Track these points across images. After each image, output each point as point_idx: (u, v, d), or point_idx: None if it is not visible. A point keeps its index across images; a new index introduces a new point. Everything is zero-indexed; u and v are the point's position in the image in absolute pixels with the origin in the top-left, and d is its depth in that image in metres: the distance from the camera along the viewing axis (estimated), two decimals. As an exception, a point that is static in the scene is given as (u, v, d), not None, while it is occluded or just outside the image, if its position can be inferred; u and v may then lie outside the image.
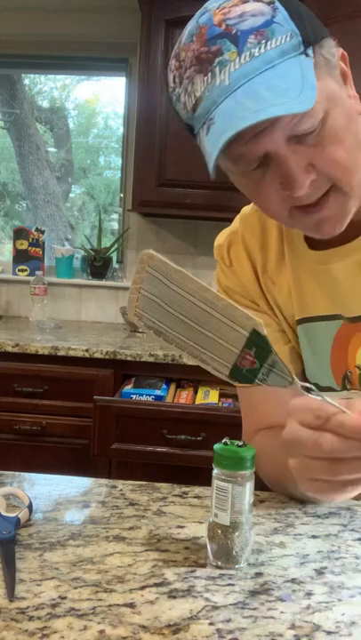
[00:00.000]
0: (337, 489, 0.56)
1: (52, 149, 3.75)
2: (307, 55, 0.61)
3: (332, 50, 0.66)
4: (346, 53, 0.70)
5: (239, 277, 0.90)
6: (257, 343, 0.56)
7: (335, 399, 0.54)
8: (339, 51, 0.68)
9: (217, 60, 0.60)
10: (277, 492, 0.83)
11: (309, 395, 0.55)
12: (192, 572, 0.64)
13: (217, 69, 0.60)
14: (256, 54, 0.59)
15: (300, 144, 0.63)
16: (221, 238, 0.93)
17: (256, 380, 0.57)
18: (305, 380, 0.87)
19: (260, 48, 0.59)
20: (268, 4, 0.61)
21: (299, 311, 0.85)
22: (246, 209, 0.92)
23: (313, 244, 0.81)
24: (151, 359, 1.96)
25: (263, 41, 0.59)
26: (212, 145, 0.61)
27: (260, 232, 0.87)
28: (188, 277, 0.55)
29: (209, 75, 0.61)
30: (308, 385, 0.56)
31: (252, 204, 0.91)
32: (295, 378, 0.57)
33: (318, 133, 0.63)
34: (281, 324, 0.88)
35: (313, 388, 0.56)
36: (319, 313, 0.82)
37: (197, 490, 0.85)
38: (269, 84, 0.58)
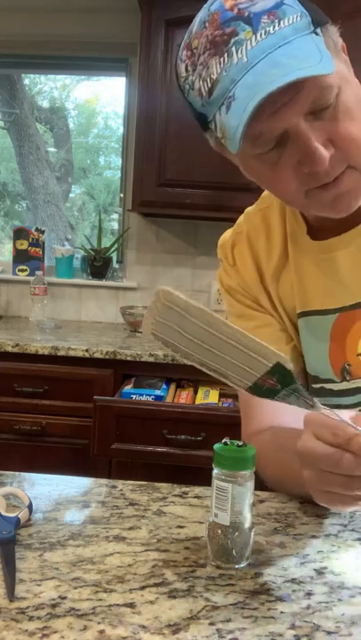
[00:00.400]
0: (348, 502, 0.59)
1: (52, 149, 3.75)
2: (317, 34, 0.63)
3: (336, 35, 0.68)
4: (345, 45, 0.71)
5: (242, 276, 0.90)
6: (280, 372, 0.56)
7: (347, 415, 0.56)
8: (340, 40, 0.70)
9: (233, 40, 0.61)
10: (277, 491, 0.84)
11: (329, 415, 0.57)
12: (192, 572, 0.64)
13: (233, 49, 0.61)
14: (271, 32, 0.60)
15: (318, 120, 0.64)
16: (226, 238, 0.94)
17: (276, 398, 0.57)
18: (305, 373, 0.88)
19: (274, 26, 0.60)
20: None
21: (300, 305, 0.85)
22: (250, 209, 0.93)
23: (316, 236, 0.82)
24: (151, 359, 1.96)
25: (276, 20, 0.61)
26: (236, 117, 0.61)
27: (265, 231, 0.88)
28: (208, 313, 0.55)
29: (225, 55, 0.62)
30: (327, 408, 0.57)
31: (255, 205, 0.92)
32: (316, 401, 0.57)
33: (334, 108, 0.64)
34: (283, 322, 0.89)
35: (331, 410, 0.57)
36: (318, 307, 0.83)
37: (197, 490, 0.85)
38: (290, 54, 0.60)
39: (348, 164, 0.67)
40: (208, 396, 1.88)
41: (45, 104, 3.69)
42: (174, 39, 2.18)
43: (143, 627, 0.54)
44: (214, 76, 0.63)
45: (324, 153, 0.64)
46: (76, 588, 0.59)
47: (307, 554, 0.69)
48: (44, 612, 0.55)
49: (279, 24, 0.61)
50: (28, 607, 0.56)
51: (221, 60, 0.62)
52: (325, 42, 0.64)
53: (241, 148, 0.65)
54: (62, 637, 0.52)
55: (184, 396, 1.90)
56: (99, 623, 0.54)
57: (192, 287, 2.64)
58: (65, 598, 0.58)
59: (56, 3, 2.51)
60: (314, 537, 0.73)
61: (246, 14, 0.61)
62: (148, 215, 2.50)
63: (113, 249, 2.67)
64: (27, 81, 3.47)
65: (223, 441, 0.68)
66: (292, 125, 0.64)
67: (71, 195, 3.78)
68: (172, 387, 1.98)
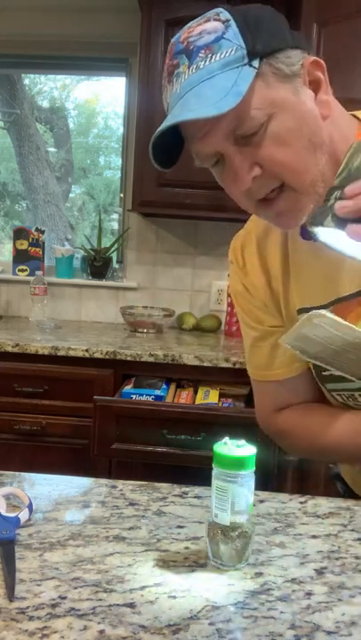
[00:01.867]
0: None
1: (52, 149, 3.75)
2: (251, 66, 0.68)
3: (290, 60, 0.72)
4: (321, 62, 0.75)
5: (251, 278, 0.93)
6: None
7: None
8: (307, 60, 0.73)
9: (175, 72, 0.72)
10: (311, 458, 1.04)
11: None
12: (192, 572, 0.64)
13: (174, 79, 0.72)
14: (201, 67, 0.69)
15: (247, 145, 0.71)
16: (236, 241, 0.97)
17: None
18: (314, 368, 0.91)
19: (205, 61, 0.69)
20: (224, 22, 0.71)
21: (299, 302, 0.88)
22: None
23: (307, 235, 0.84)
24: (151, 359, 1.96)
25: (210, 55, 0.69)
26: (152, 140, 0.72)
27: (270, 231, 0.90)
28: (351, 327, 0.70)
29: (170, 85, 0.73)
30: None
31: None
32: None
33: (262, 135, 0.70)
34: (285, 321, 0.91)
35: None
36: (313, 304, 0.86)
37: (197, 490, 0.85)
38: (200, 92, 0.68)
39: (283, 182, 0.73)
40: (208, 396, 1.88)
41: (45, 104, 3.69)
42: (174, 39, 2.17)
43: (143, 627, 0.54)
44: (167, 101, 0.75)
45: (244, 175, 0.72)
46: (76, 588, 0.59)
47: (307, 554, 0.69)
48: (44, 612, 0.55)
49: (210, 59, 0.69)
50: (28, 607, 0.56)
51: (169, 87, 0.73)
52: (262, 72, 0.69)
53: (198, 165, 0.78)
54: (62, 637, 0.52)
55: (184, 396, 1.90)
56: (99, 623, 0.54)
57: (192, 287, 2.64)
58: (65, 598, 0.58)
59: (56, 3, 2.51)
60: (314, 537, 0.73)
61: (191, 47, 0.70)
62: (148, 215, 2.50)
63: (113, 249, 2.67)
64: (27, 81, 3.47)
65: (223, 441, 0.68)
66: (220, 149, 0.72)
67: (71, 195, 3.78)
68: (172, 387, 1.98)
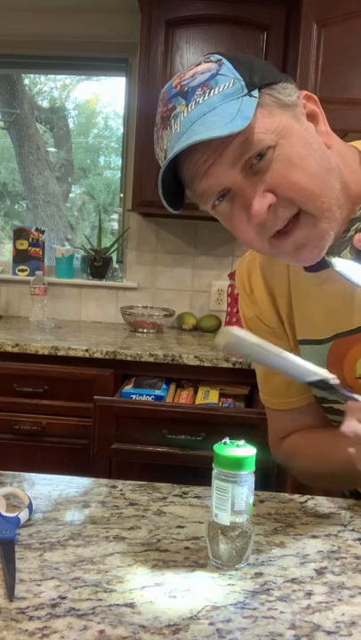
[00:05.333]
0: None
1: (52, 149, 3.75)
2: (251, 96, 0.68)
3: (287, 91, 0.72)
4: (314, 95, 0.75)
5: (259, 305, 0.92)
6: (321, 383, 0.71)
7: None
8: (301, 93, 0.74)
9: (172, 114, 0.70)
10: (312, 484, 0.99)
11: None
12: (192, 571, 0.64)
13: (172, 121, 0.70)
14: (200, 102, 0.68)
15: (256, 175, 0.69)
16: (242, 267, 0.96)
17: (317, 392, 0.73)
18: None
19: (204, 97, 0.68)
20: (216, 61, 0.70)
21: (299, 332, 0.88)
22: None
23: (309, 267, 0.82)
24: (151, 359, 1.96)
25: (208, 90, 0.68)
26: (160, 180, 0.70)
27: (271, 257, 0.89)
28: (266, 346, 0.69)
29: (168, 128, 0.71)
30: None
31: None
32: (352, 395, 0.70)
33: (271, 161, 0.68)
34: (295, 348, 0.91)
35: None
36: (313, 337, 0.85)
37: (197, 490, 0.85)
38: (206, 121, 0.67)
39: (300, 208, 0.70)
40: (208, 396, 1.88)
41: (45, 104, 3.69)
42: (174, 39, 2.18)
43: (143, 627, 0.54)
44: (165, 147, 0.72)
45: (259, 204, 0.69)
46: (76, 588, 0.59)
47: (307, 554, 0.69)
48: (44, 612, 0.55)
49: (209, 94, 0.67)
50: (27, 607, 0.56)
51: (166, 132, 0.71)
52: (263, 101, 0.69)
53: (202, 207, 0.75)
54: (62, 637, 0.52)
55: (184, 396, 1.90)
56: (99, 623, 0.54)
57: (192, 287, 2.64)
58: (65, 598, 0.58)
59: (56, 3, 2.51)
60: (314, 537, 0.73)
61: (185, 89, 0.69)
62: (148, 215, 2.50)
63: (113, 249, 2.67)
64: (27, 81, 3.47)
65: (223, 441, 0.68)
66: (231, 182, 0.70)
67: (71, 195, 3.78)
68: (172, 387, 1.98)
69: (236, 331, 0.67)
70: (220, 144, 0.67)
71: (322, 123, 0.75)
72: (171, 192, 0.73)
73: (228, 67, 0.69)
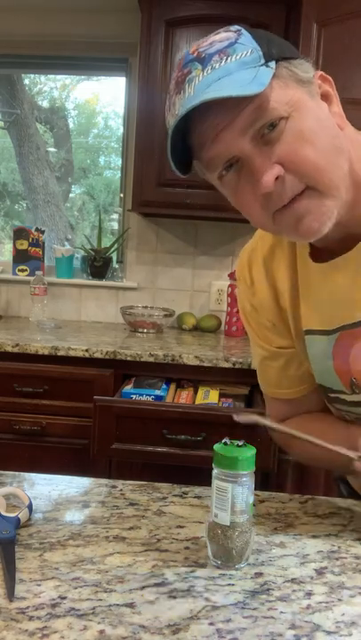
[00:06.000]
0: None
1: (52, 149, 3.75)
2: (268, 66, 0.67)
3: (303, 67, 0.72)
4: (330, 78, 0.75)
5: (259, 297, 0.91)
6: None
7: None
8: (317, 73, 0.74)
9: (187, 79, 0.69)
10: (309, 464, 1.03)
11: None
12: (192, 572, 0.64)
13: (186, 85, 0.69)
14: (217, 67, 0.67)
15: (267, 145, 0.68)
16: (243, 258, 0.95)
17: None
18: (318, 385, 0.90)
19: (220, 63, 0.67)
20: (235, 31, 0.70)
21: (305, 323, 0.87)
22: None
23: (316, 258, 0.82)
24: (151, 359, 1.96)
25: (225, 57, 0.68)
26: (169, 141, 0.70)
27: (277, 248, 0.89)
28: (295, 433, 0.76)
29: (181, 92, 0.70)
30: None
31: None
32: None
33: (282, 132, 0.68)
34: (294, 340, 0.91)
35: None
36: (320, 327, 0.85)
37: (197, 490, 0.85)
38: (221, 85, 0.66)
39: (307, 184, 0.69)
40: (208, 396, 1.88)
41: (45, 104, 3.69)
42: (174, 39, 2.17)
43: (143, 627, 0.54)
44: (177, 112, 0.70)
45: (267, 174, 0.67)
46: (76, 588, 0.59)
47: (307, 554, 0.69)
48: (44, 612, 0.55)
49: (226, 60, 0.67)
50: (27, 607, 0.56)
51: (180, 96, 0.70)
52: (279, 73, 0.68)
53: (205, 175, 0.74)
54: (62, 637, 0.52)
55: (184, 396, 1.90)
56: (99, 623, 0.54)
57: (192, 287, 2.64)
58: (65, 598, 0.58)
59: (56, 3, 2.51)
60: (314, 537, 0.73)
61: (202, 56, 0.69)
62: (148, 215, 2.50)
63: (113, 249, 2.67)
64: (27, 81, 3.48)
65: (223, 441, 0.68)
66: (239, 150, 0.69)
67: (71, 195, 3.78)
68: (172, 387, 1.98)
69: (266, 421, 0.75)
70: (233, 109, 0.67)
71: (336, 104, 0.74)
72: (178, 162, 0.72)
73: (246, 37, 0.69)
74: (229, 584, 0.62)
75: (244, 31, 0.70)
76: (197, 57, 0.69)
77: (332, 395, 0.87)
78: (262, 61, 0.67)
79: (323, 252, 0.82)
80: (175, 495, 0.83)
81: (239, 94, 0.64)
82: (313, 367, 0.88)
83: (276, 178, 0.68)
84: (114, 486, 0.85)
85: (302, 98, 0.70)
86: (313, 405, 0.95)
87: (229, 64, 0.67)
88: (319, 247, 0.82)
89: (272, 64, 0.68)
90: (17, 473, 0.88)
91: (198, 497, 0.83)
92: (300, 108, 0.69)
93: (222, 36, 0.70)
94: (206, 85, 0.67)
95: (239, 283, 0.96)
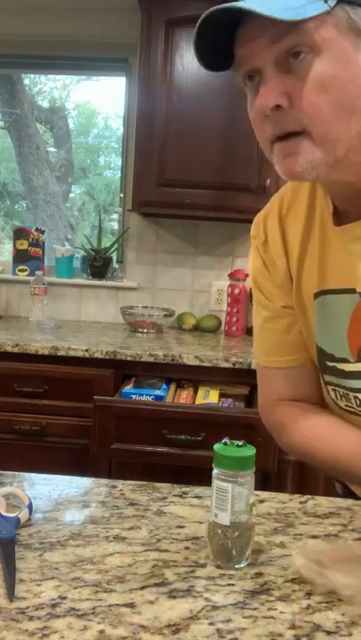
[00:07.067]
0: None
1: (52, 149, 3.75)
2: (326, 2, 0.64)
3: None
4: None
5: (272, 253, 0.91)
6: None
7: None
8: None
9: None
10: (296, 456, 0.95)
11: None
12: (192, 572, 0.64)
13: None
14: None
15: (288, 73, 0.67)
16: (259, 215, 0.94)
17: None
18: (316, 350, 0.89)
19: None
20: None
21: (319, 283, 0.86)
22: (286, 185, 0.92)
23: (338, 220, 0.82)
24: (151, 359, 1.96)
25: None
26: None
27: (294, 205, 0.88)
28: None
29: None
30: None
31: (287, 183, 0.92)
32: None
33: (305, 68, 0.67)
34: (295, 306, 0.90)
35: None
36: (338, 286, 0.83)
37: (197, 490, 0.85)
38: None
39: (305, 128, 0.68)
40: (208, 396, 1.88)
41: (45, 104, 3.69)
42: (174, 39, 2.18)
43: (143, 627, 0.54)
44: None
45: (270, 98, 0.67)
46: (76, 588, 0.59)
47: (307, 554, 0.69)
48: (44, 612, 0.55)
49: None
50: (27, 607, 0.56)
51: None
52: (333, 14, 0.65)
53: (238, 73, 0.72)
54: (62, 637, 0.52)
55: (184, 396, 1.90)
56: (99, 623, 0.54)
57: (192, 287, 2.64)
58: (65, 598, 0.58)
59: (56, 3, 2.51)
60: (314, 537, 0.73)
61: None
62: (148, 215, 2.50)
63: (113, 249, 2.67)
64: (27, 81, 3.48)
65: (223, 441, 0.68)
66: (261, 62, 0.68)
67: (71, 195, 3.78)
68: (172, 387, 1.98)
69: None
70: (268, 22, 0.64)
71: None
72: (219, 47, 0.71)
73: None
74: (229, 584, 0.62)
75: None
76: None
77: (331, 363, 0.86)
78: None
79: (343, 214, 0.81)
80: (175, 495, 0.83)
81: (274, 16, 0.62)
82: (319, 329, 0.87)
83: (279, 107, 0.68)
84: (114, 486, 0.85)
85: (344, 45, 0.67)
86: (310, 383, 0.93)
87: None
88: (340, 209, 0.81)
89: (332, 2, 0.65)
90: (17, 473, 0.88)
91: (198, 497, 0.83)
92: (336, 53, 0.67)
93: None
94: None
95: (253, 242, 0.95)
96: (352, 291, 0.81)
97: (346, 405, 0.87)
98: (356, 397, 0.84)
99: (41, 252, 2.67)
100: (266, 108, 0.68)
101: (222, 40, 0.71)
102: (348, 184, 0.75)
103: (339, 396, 0.87)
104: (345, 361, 0.84)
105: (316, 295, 0.86)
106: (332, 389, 0.88)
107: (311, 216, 0.86)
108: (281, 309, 0.92)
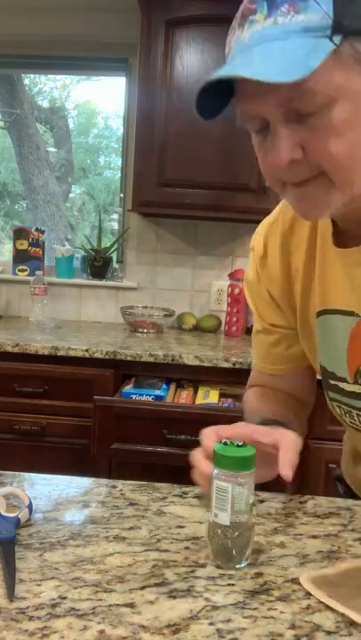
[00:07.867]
0: None
1: (52, 149, 3.75)
2: (331, 41, 0.62)
3: None
4: None
5: (270, 270, 0.91)
6: None
7: None
8: None
9: (249, 18, 0.65)
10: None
11: None
12: (192, 572, 0.64)
13: (246, 25, 0.66)
14: (279, 22, 0.63)
15: (300, 124, 0.65)
16: (261, 228, 0.94)
17: None
18: (320, 368, 0.91)
19: (285, 18, 0.63)
20: None
21: (320, 303, 0.85)
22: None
23: (339, 242, 0.81)
24: (151, 359, 1.96)
25: (293, 13, 0.62)
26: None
27: (297, 224, 0.87)
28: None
29: (241, 29, 0.66)
30: None
31: None
32: None
33: (317, 118, 0.65)
34: (294, 320, 0.91)
35: None
36: (338, 307, 0.83)
37: (197, 490, 0.85)
38: (269, 51, 0.62)
39: (321, 171, 0.67)
40: (208, 396, 1.88)
41: (45, 104, 3.69)
42: (174, 39, 2.17)
43: (143, 627, 0.54)
44: (230, 44, 0.68)
45: (285, 153, 0.66)
46: (76, 588, 0.59)
47: (307, 554, 0.69)
48: (44, 612, 0.55)
49: (292, 18, 0.62)
50: (27, 607, 0.56)
51: (237, 31, 0.67)
52: (340, 51, 0.62)
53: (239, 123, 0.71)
54: (62, 637, 0.52)
55: (184, 396, 1.90)
56: (99, 623, 0.54)
57: (192, 287, 2.64)
58: (65, 598, 0.58)
59: (56, 3, 2.51)
60: (314, 537, 0.73)
61: None
62: (148, 215, 2.50)
63: (113, 249, 2.67)
64: (27, 81, 3.48)
65: (223, 441, 0.68)
66: (270, 117, 0.67)
67: (71, 195, 3.78)
68: (172, 387, 1.98)
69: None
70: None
71: None
72: (211, 92, 0.68)
73: None
74: (229, 584, 0.62)
75: None
76: None
77: (333, 382, 0.87)
78: (328, 32, 0.62)
79: (344, 235, 0.80)
80: (175, 495, 0.83)
81: (274, 81, 0.60)
82: (320, 348, 0.87)
83: (293, 160, 0.66)
84: (114, 486, 0.85)
85: (354, 83, 0.65)
86: (292, 389, 0.98)
87: (292, 24, 0.62)
88: (342, 229, 0.81)
89: (337, 39, 0.62)
90: (17, 473, 0.88)
91: (198, 497, 0.83)
92: (348, 97, 0.64)
93: None
94: (259, 41, 0.63)
95: (251, 253, 0.95)
96: (351, 313, 0.82)
97: (350, 422, 0.87)
98: (358, 415, 0.85)
99: (41, 252, 2.67)
100: (281, 165, 0.67)
101: (222, 94, 0.69)
102: (356, 209, 0.73)
103: (343, 413, 0.88)
104: (344, 381, 0.84)
105: (318, 314, 0.87)
106: (337, 406, 0.88)
107: (313, 235, 0.86)
108: (269, 327, 0.95)
